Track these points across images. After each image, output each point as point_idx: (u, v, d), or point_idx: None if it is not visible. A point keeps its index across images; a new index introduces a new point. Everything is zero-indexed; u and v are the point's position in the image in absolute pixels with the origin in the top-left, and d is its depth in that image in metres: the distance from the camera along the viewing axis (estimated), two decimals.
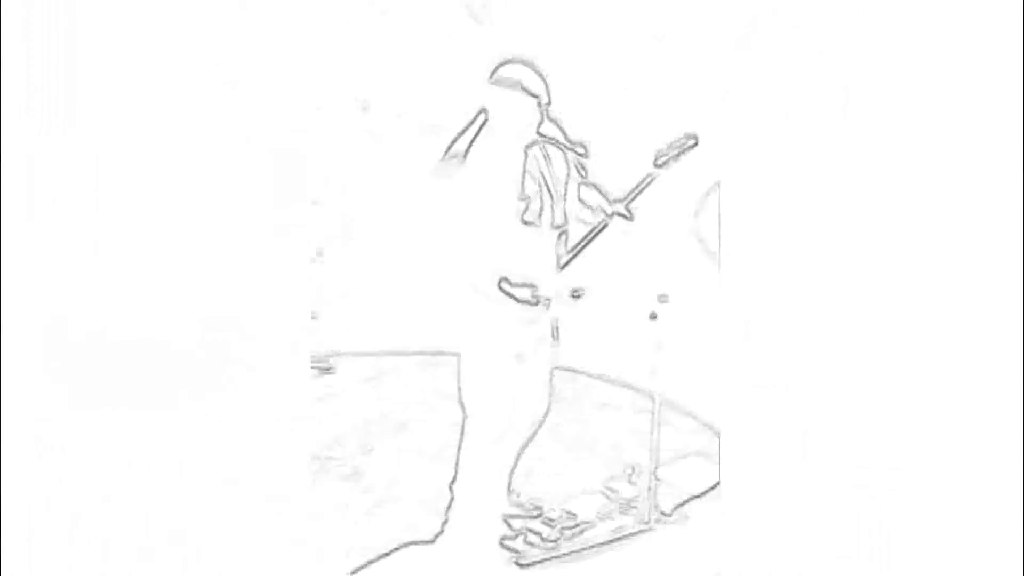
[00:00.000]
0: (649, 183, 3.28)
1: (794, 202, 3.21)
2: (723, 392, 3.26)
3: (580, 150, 3.28)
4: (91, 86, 3.06)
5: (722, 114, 3.26)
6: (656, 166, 3.28)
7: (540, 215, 3.26)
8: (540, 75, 3.25)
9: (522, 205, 3.27)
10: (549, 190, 3.26)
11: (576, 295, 3.28)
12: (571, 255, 3.28)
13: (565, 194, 3.31)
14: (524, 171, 3.26)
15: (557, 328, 3.32)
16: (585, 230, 3.31)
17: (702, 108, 3.29)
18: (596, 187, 3.29)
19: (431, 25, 3.24)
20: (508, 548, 3.30)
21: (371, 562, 3.24)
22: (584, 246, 3.28)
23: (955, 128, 3.18)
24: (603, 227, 3.29)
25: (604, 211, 3.29)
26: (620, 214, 3.28)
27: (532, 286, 3.28)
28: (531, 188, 3.26)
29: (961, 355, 3.18)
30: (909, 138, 3.19)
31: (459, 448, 3.32)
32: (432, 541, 3.29)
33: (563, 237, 3.29)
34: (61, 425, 3.05)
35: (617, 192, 3.31)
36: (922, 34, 3.18)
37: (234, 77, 3.10)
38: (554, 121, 3.27)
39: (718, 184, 3.28)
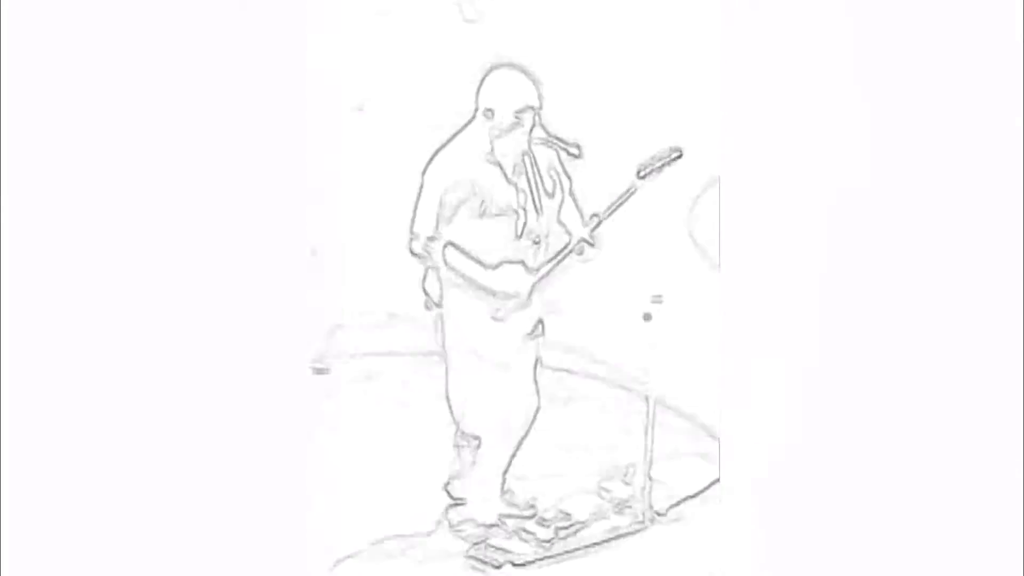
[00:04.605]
0: (630, 196, 3.28)
1: (790, 201, 3.21)
2: (718, 392, 3.26)
3: (574, 151, 3.29)
4: (90, 86, 3.10)
5: (718, 113, 3.26)
6: (639, 177, 3.28)
7: (523, 229, 3.26)
8: (533, 79, 3.26)
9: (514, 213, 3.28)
10: (535, 205, 3.26)
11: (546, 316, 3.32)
12: (539, 277, 3.29)
13: (560, 200, 3.32)
14: (515, 181, 3.27)
15: (542, 323, 3.32)
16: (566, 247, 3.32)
17: (692, 112, 3.29)
18: (577, 206, 3.30)
19: (426, 26, 3.26)
20: (502, 549, 3.31)
21: (364, 562, 3.25)
22: (549, 272, 3.29)
23: (951, 126, 3.18)
24: (568, 254, 3.29)
25: (570, 236, 3.30)
26: (585, 240, 3.29)
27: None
28: (517, 200, 3.27)
29: (961, 354, 3.17)
30: (906, 137, 3.19)
31: (454, 448, 3.34)
32: (426, 541, 3.30)
33: (541, 248, 3.30)
34: (60, 425, 3.08)
35: (601, 205, 3.31)
36: (918, 33, 3.18)
37: (233, 76, 3.12)
38: (545, 127, 3.28)
39: (715, 182, 3.28)
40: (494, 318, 3.25)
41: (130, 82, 3.11)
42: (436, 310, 3.28)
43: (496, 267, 3.24)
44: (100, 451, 3.10)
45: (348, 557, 3.24)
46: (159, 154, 3.12)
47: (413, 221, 3.24)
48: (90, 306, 3.10)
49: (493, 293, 3.25)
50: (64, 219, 3.10)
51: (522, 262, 3.25)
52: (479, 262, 3.23)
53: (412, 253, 3.24)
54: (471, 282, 3.24)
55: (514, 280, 3.25)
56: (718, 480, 3.31)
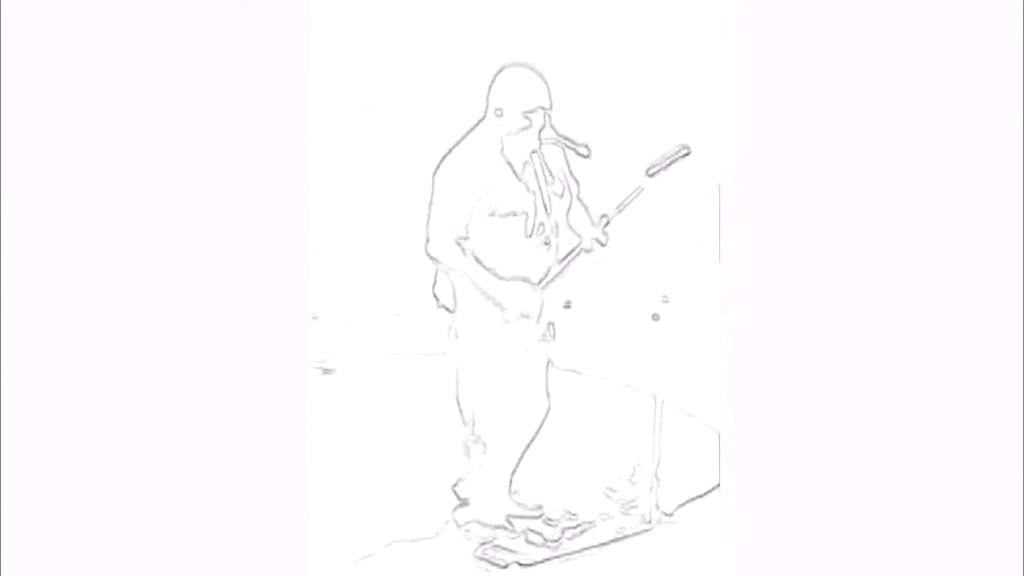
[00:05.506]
0: (637, 195, 3.27)
1: (794, 203, 3.21)
2: (724, 392, 3.26)
3: (583, 151, 3.27)
4: (94, 87, 3.08)
5: (722, 116, 3.25)
6: (648, 176, 3.27)
7: (533, 230, 3.25)
8: (544, 79, 3.24)
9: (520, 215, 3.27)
10: (545, 204, 3.25)
11: (567, 307, 3.29)
12: (550, 279, 3.28)
13: (569, 201, 3.30)
14: (524, 180, 3.25)
15: (552, 326, 3.32)
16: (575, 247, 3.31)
17: (699, 114, 3.28)
18: (585, 207, 3.29)
19: (435, 27, 3.24)
20: (509, 549, 3.30)
21: (371, 562, 3.25)
22: (559, 273, 3.28)
23: (952, 130, 3.17)
24: (579, 253, 3.29)
25: (580, 237, 3.29)
26: (596, 239, 3.28)
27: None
28: (527, 200, 3.25)
29: (962, 355, 3.17)
30: (907, 137, 3.18)
31: (463, 449, 3.33)
32: (433, 541, 3.30)
33: (551, 250, 3.29)
34: (59, 425, 3.06)
35: (609, 205, 3.30)
36: (920, 35, 3.18)
37: (237, 76, 3.11)
38: (554, 127, 3.26)
39: (718, 186, 3.28)
40: (505, 320, 3.24)
41: (134, 83, 3.09)
42: (448, 313, 3.27)
43: (510, 280, 3.24)
44: (113, 455, 3.09)
45: (357, 559, 3.23)
46: (165, 156, 3.10)
47: (428, 223, 3.22)
48: (97, 309, 3.08)
49: (503, 307, 3.25)
50: (68, 221, 3.08)
51: (535, 282, 3.26)
52: (494, 272, 3.23)
53: (428, 256, 3.22)
54: (484, 292, 3.23)
55: (526, 300, 3.25)
56: (718, 485, 3.31)
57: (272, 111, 3.13)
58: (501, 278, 3.25)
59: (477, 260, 3.23)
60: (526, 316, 3.27)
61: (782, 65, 3.19)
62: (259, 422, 3.12)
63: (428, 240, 3.23)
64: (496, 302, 3.24)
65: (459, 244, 3.21)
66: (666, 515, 3.39)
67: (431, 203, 3.22)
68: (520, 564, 3.28)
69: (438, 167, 3.22)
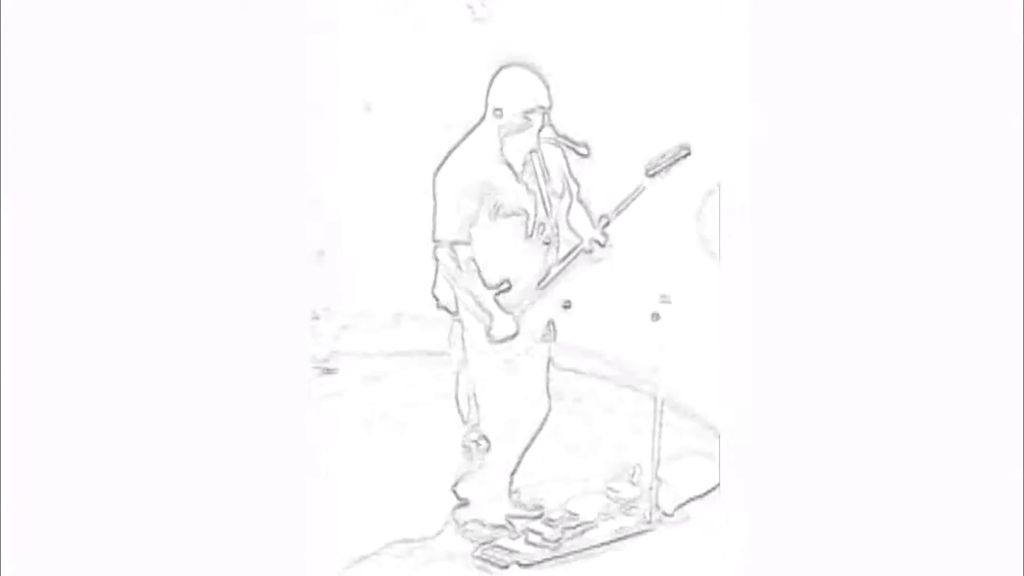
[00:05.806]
0: (638, 195, 3.27)
1: (794, 203, 3.21)
2: (724, 392, 3.26)
3: (583, 150, 3.27)
4: (91, 87, 3.08)
5: (722, 116, 3.25)
6: (648, 176, 3.27)
7: (533, 230, 3.25)
8: (543, 79, 3.24)
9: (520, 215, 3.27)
10: (545, 204, 3.25)
11: (567, 307, 3.30)
12: (548, 280, 3.28)
13: (569, 201, 3.31)
14: (525, 181, 3.25)
15: (553, 325, 3.32)
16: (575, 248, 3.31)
17: (699, 114, 3.28)
18: (585, 207, 3.29)
19: (434, 26, 3.24)
20: (509, 549, 3.31)
21: (371, 563, 3.25)
22: (557, 274, 3.28)
23: (954, 130, 3.17)
24: (578, 254, 3.29)
25: (580, 237, 3.29)
26: (596, 240, 3.28)
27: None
28: (527, 200, 3.26)
29: (962, 355, 3.17)
30: (908, 137, 3.18)
31: (462, 449, 3.34)
32: (433, 541, 3.30)
33: (551, 250, 3.29)
34: (57, 424, 3.07)
35: (609, 206, 3.30)
36: (921, 36, 3.18)
37: (236, 75, 3.11)
38: (554, 127, 3.27)
39: (719, 185, 3.28)
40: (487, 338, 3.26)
41: (132, 84, 3.09)
42: (449, 313, 3.27)
43: (496, 291, 3.25)
44: (111, 454, 3.09)
45: (356, 559, 3.24)
46: (163, 155, 3.10)
47: (435, 228, 3.21)
48: (96, 309, 3.09)
49: (486, 318, 3.26)
50: (66, 222, 3.09)
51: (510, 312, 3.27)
52: (487, 284, 3.23)
53: (436, 259, 3.22)
54: (474, 299, 3.24)
55: (502, 325, 3.25)
56: (718, 485, 3.31)
57: (271, 111, 3.13)
58: (491, 288, 3.25)
59: (479, 272, 3.23)
60: (507, 338, 3.27)
61: (782, 65, 3.19)
62: (259, 422, 3.13)
63: (436, 246, 3.22)
64: (480, 315, 3.25)
65: (468, 251, 3.21)
66: (666, 515, 3.39)
67: (434, 206, 3.21)
68: (520, 564, 3.28)
69: (438, 169, 3.22)
